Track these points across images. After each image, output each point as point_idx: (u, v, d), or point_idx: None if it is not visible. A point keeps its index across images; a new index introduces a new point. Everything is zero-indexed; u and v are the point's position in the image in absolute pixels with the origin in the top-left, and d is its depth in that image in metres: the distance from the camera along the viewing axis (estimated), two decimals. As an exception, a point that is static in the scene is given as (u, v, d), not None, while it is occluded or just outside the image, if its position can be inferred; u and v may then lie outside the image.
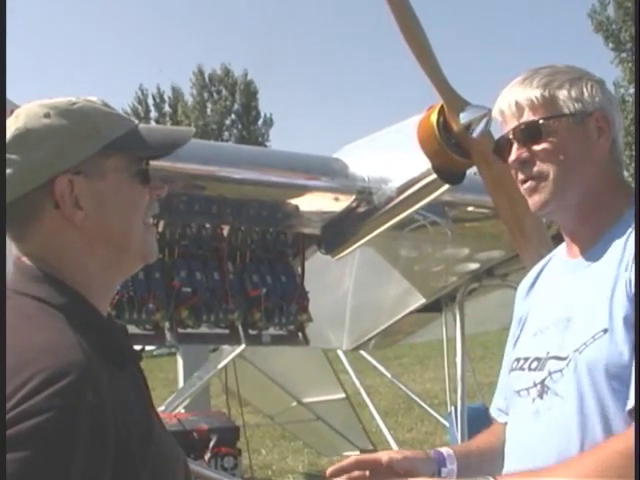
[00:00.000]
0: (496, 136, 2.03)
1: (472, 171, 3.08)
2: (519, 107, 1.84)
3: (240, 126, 43.99)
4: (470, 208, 3.89)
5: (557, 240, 2.13)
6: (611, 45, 34.08)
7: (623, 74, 32.76)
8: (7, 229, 1.48)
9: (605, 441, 1.64)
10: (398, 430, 10.46)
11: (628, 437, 1.58)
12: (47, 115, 1.47)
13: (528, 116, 1.83)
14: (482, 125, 2.76)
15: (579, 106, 1.82)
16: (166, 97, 44.40)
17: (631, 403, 1.61)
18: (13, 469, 1.19)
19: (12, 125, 1.47)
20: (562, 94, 1.83)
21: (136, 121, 1.62)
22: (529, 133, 1.83)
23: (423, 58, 2.81)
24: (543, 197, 1.84)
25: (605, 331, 1.66)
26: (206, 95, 43.87)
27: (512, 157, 1.86)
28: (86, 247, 1.48)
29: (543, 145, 1.82)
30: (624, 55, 33.58)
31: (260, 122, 44.44)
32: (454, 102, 2.85)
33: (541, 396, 1.80)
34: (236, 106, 43.79)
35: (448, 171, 2.95)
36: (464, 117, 2.80)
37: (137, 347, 1.58)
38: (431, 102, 2.96)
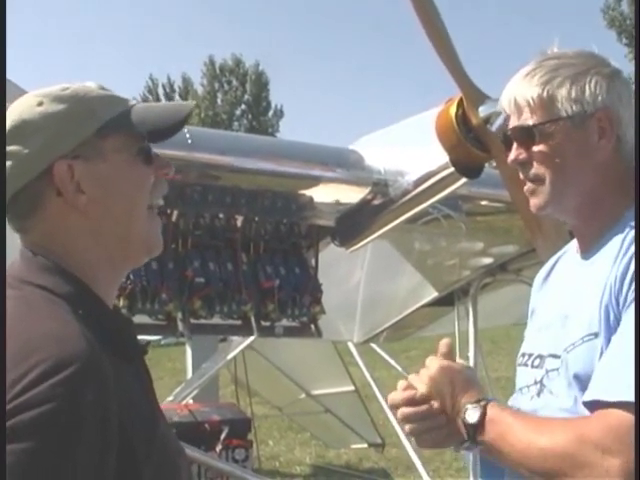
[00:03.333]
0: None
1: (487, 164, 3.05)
2: (518, 106, 1.81)
3: (250, 116, 43.96)
4: (484, 202, 3.86)
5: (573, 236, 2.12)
6: (625, 40, 33.93)
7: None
8: (11, 222, 1.47)
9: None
10: (405, 423, 10.43)
11: (586, 424, 1.57)
12: (40, 103, 1.46)
13: (526, 116, 1.80)
14: (501, 119, 2.73)
15: (578, 108, 1.76)
16: (176, 87, 44.41)
17: (589, 395, 1.59)
18: (15, 460, 1.17)
19: (8, 118, 1.46)
20: (561, 94, 1.77)
21: (134, 101, 1.58)
22: (525, 136, 1.81)
23: (442, 50, 2.79)
24: (541, 201, 1.82)
25: (595, 335, 1.64)
26: (217, 85, 43.84)
27: (511, 157, 1.84)
28: (91, 234, 1.46)
29: (540, 148, 1.79)
30: (638, 50, 33.40)
31: (270, 113, 44.39)
32: (473, 95, 2.82)
33: (539, 394, 1.80)
34: (246, 96, 43.76)
35: (466, 165, 2.93)
36: (483, 110, 2.78)
37: (144, 339, 1.54)
38: (450, 94, 2.93)
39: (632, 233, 1.68)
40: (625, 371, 1.54)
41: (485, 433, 1.68)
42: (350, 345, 6.54)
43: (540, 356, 1.81)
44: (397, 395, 1.78)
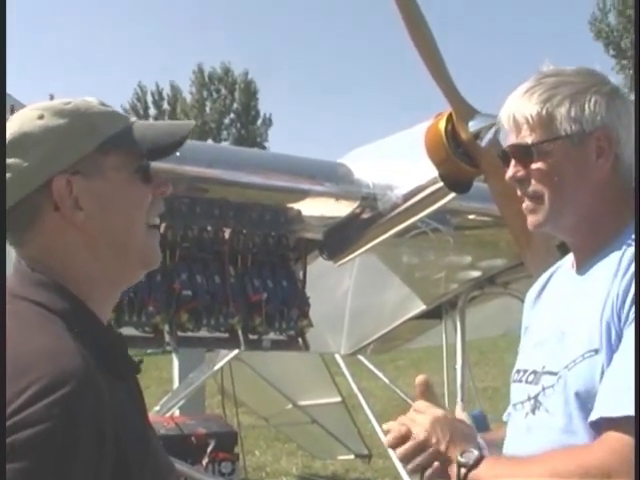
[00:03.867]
0: (505, 142, 2.00)
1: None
2: (517, 123, 1.81)
3: (239, 125, 43.94)
4: (472, 216, 3.87)
5: (563, 249, 2.11)
6: (612, 52, 34.13)
7: (624, 81, 32.78)
8: (8, 235, 1.45)
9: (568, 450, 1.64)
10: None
11: (588, 453, 1.58)
12: (41, 117, 1.45)
13: (525, 134, 1.81)
14: (491, 134, 2.75)
15: (577, 127, 1.77)
16: (165, 95, 44.36)
17: (595, 414, 1.60)
18: (11, 478, 1.16)
19: (8, 130, 1.45)
20: (560, 113, 1.77)
21: (134, 118, 1.58)
22: (524, 154, 1.81)
23: (432, 64, 2.79)
24: (539, 218, 1.83)
25: (596, 351, 1.64)
26: (205, 94, 43.82)
27: (509, 174, 1.85)
28: (88, 250, 1.45)
29: (538, 166, 1.80)
30: (625, 62, 33.64)
31: (259, 122, 44.39)
32: (463, 110, 2.83)
33: (533, 411, 1.79)
34: (235, 105, 43.75)
35: (455, 180, 2.93)
36: (473, 125, 2.78)
37: (136, 358, 1.53)
38: (439, 109, 2.94)
39: (630, 250, 1.69)
40: (629, 387, 1.55)
41: (480, 471, 1.69)
42: (337, 356, 6.53)
43: (535, 372, 1.81)
44: (393, 436, 1.81)
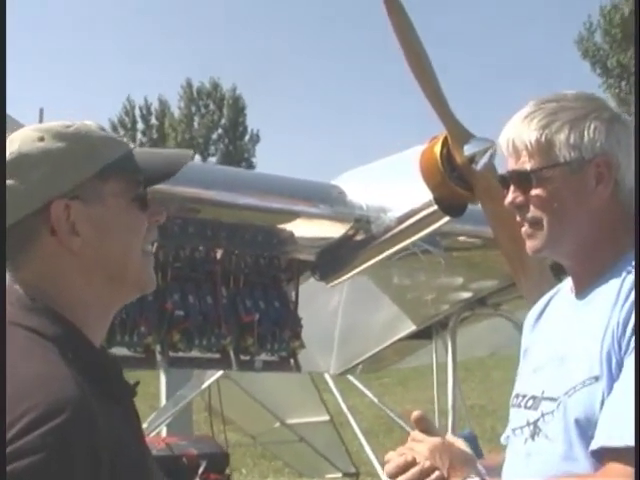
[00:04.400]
0: (501, 167, 2.00)
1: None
2: (516, 149, 1.81)
3: (227, 141, 43.93)
4: (462, 238, 3.87)
5: (556, 270, 2.11)
6: (599, 71, 34.37)
7: (611, 100, 33.04)
8: (4, 258, 1.44)
9: None
10: (379, 451, 10.41)
11: None
12: (41, 139, 1.44)
13: (524, 160, 1.80)
14: (486, 158, 2.75)
15: (576, 154, 1.76)
16: (153, 109, 44.32)
17: (596, 443, 1.59)
18: None
19: (7, 150, 1.43)
20: (560, 140, 1.77)
21: (132, 145, 1.58)
22: (523, 180, 1.81)
23: (428, 87, 2.79)
24: (537, 245, 1.83)
25: (597, 379, 1.64)
26: (194, 109, 43.81)
27: (508, 199, 1.84)
28: (83, 275, 1.44)
29: (537, 192, 1.79)
30: (611, 81, 33.87)
31: (247, 138, 44.39)
32: (458, 134, 2.83)
33: (533, 437, 1.78)
34: (223, 121, 43.75)
35: (450, 203, 2.93)
36: (468, 149, 2.79)
37: (132, 380, 1.52)
38: (434, 132, 2.94)
39: (630, 278, 1.68)
40: (630, 416, 1.54)
41: None
42: (326, 375, 6.53)
43: (534, 397, 1.80)
44: (393, 464, 1.79)
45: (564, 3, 55.98)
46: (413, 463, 1.77)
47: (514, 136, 1.81)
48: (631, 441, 1.53)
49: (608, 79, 34.20)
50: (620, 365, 1.62)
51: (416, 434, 1.82)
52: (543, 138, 1.78)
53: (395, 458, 1.79)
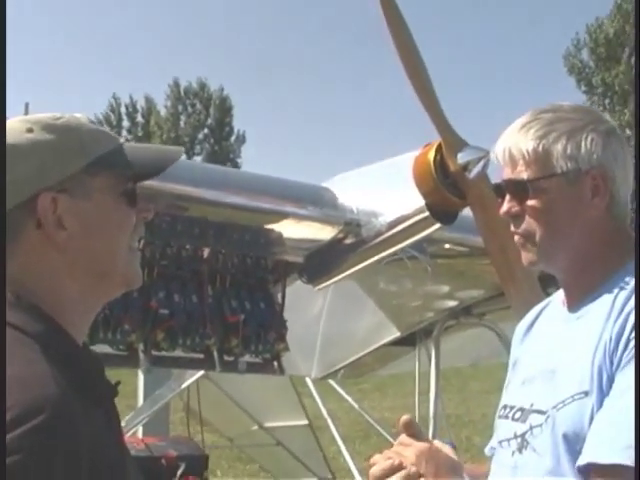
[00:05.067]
0: (495, 175, 1.99)
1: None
2: (512, 158, 1.79)
3: (212, 141, 43.93)
4: (448, 245, 3.86)
5: (543, 281, 2.10)
6: (583, 88, 34.65)
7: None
8: None
9: None
10: (355, 457, 10.39)
11: None
12: (30, 130, 1.41)
13: (520, 170, 1.78)
14: (479, 167, 2.74)
15: (573, 165, 1.75)
16: (139, 107, 44.23)
17: (583, 459, 1.57)
18: None
19: None
20: (557, 150, 1.75)
21: (122, 139, 1.55)
22: (519, 190, 1.79)
23: (424, 94, 2.79)
24: (531, 257, 1.82)
25: (586, 394, 1.62)
26: (180, 108, 43.78)
27: (503, 209, 1.83)
28: (67, 270, 1.41)
29: (533, 203, 1.78)
30: (595, 98, 34.15)
31: (233, 138, 44.40)
32: (452, 141, 2.83)
33: (520, 450, 1.76)
34: (210, 121, 43.74)
35: (441, 210, 2.93)
36: (462, 157, 2.78)
37: (113, 380, 1.49)
38: (427, 139, 2.94)
39: (623, 293, 1.67)
40: (619, 434, 1.53)
41: None
42: (307, 378, 6.50)
43: (522, 409, 1.78)
44: (379, 468, 1.76)
45: (556, 17, 56.37)
46: (399, 467, 1.74)
47: (511, 145, 1.80)
48: (618, 459, 1.51)
49: (592, 97, 34.48)
50: (611, 381, 1.60)
51: (404, 438, 1.80)
52: (540, 148, 1.76)
53: (381, 461, 1.77)
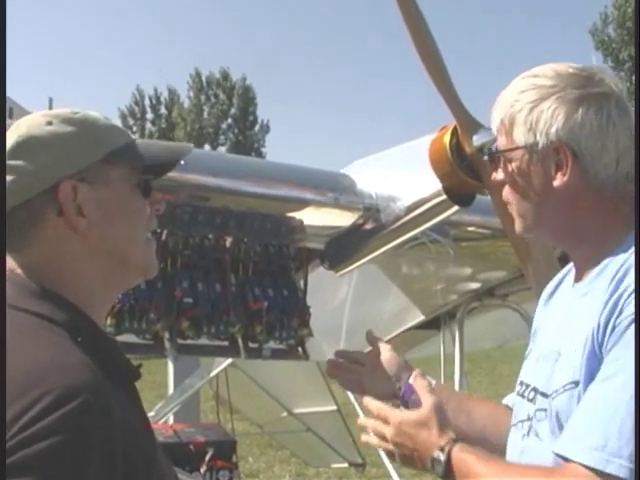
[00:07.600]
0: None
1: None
2: (496, 127, 1.79)
3: (236, 131, 43.96)
4: (471, 228, 3.87)
5: (563, 261, 2.10)
6: (610, 63, 34.29)
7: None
8: (6, 240, 1.45)
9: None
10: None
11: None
12: (50, 123, 1.47)
13: (499, 139, 1.78)
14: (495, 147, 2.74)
15: (532, 138, 1.68)
16: (162, 99, 44.35)
17: (555, 447, 1.58)
18: None
19: (14, 134, 1.46)
20: (519, 122, 1.70)
21: (134, 136, 1.65)
22: (495, 159, 1.80)
23: (438, 78, 2.79)
24: (517, 225, 1.81)
25: (576, 384, 1.61)
26: (203, 98, 43.83)
27: (492, 177, 1.84)
28: (87, 257, 1.46)
29: (505, 173, 1.77)
30: (622, 74, 33.78)
31: (257, 128, 44.41)
32: (467, 124, 2.83)
33: (528, 434, 1.77)
34: (233, 110, 43.76)
35: (459, 193, 2.93)
36: (477, 139, 2.79)
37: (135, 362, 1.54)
38: (443, 123, 2.94)
39: (619, 274, 1.61)
40: (588, 431, 1.51)
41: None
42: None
43: (535, 390, 1.78)
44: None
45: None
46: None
47: (493, 113, 1.78)
48: (580, 458, 1.50)
49: (619, 72, 34.13)
50: (596, 372, 1.57)
51: (385, 412, 1.85)
52: (507, 118, 1.73)
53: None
